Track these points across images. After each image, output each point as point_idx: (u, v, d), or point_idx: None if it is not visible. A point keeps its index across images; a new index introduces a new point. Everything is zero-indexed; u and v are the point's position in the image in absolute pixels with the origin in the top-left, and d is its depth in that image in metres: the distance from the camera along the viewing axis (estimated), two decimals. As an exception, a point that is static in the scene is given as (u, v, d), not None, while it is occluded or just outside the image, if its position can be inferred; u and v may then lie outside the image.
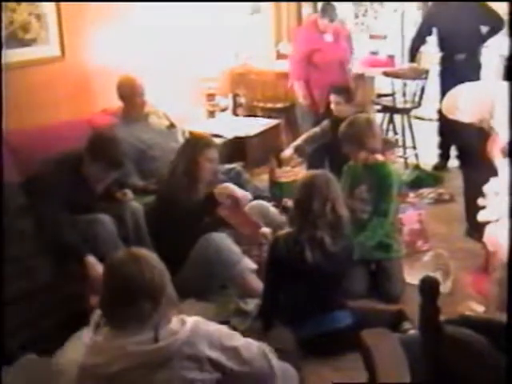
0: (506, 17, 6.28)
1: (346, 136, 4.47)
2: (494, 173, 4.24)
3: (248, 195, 4.49)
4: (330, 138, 5.63)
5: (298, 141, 6.03)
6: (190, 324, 2.27)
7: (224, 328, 2.44)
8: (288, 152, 5.97)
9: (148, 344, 2.17)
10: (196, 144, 4.44)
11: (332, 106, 5.88)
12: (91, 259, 3.81)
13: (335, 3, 6.67)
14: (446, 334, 2.03)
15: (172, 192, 4.33)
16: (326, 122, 5.89)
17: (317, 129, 5.97)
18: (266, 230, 4.43)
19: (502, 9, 6.47)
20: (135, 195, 4.59)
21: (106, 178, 4.23)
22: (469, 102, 4.80)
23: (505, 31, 6.88)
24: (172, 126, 5.47)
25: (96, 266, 3.76)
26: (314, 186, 3.53)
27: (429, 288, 2.06)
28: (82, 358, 2.23)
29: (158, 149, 5.07)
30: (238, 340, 2.41)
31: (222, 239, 4.19)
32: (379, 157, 4.49)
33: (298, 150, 6.00)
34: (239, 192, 4.40)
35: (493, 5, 6.68)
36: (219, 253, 4.07)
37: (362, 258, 4.25)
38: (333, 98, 5.85)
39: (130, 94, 5.17)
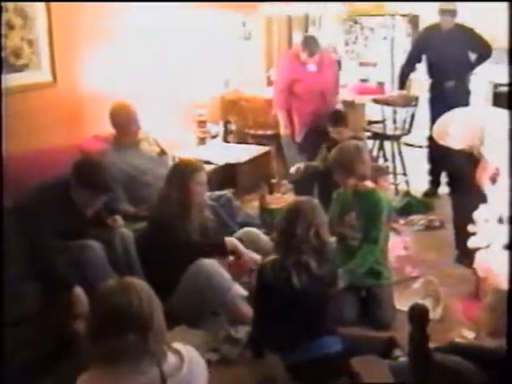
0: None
1: (336, 163, 4.48)
2: (483, 199, 4.25)
3: (256, 258, 4.37)
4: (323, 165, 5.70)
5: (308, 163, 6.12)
6: (186, 356, 2.26)
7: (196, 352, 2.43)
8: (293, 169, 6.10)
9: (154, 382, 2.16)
10: (185, 169, 4.44)
11: (334, 136, 5.97)
12: (78, 291, 3.76)
13: (321, 33, 6.70)
14: (435, 362, 2.02)
15: (165, 218, 4.32)
16: (322, 152, 5.94)
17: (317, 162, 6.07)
18: (256, 256, 4.42)
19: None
20: (126, 221, 4.58)
21: (94, 203, 4.21)
22: (459, 128, 4.83)
23: (493, 58, 6.97)
24: (163, 152, 5.46)
25: (82, 298, 3.72)
26: (299, 212, 3.52)
27: (418, 316, 2.06)
28: None
29: (149, 175, 5.06)
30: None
31: (213, 266, 4.17)
32: (368, 184, 4.49)
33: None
34: (246, 253, 4.39)
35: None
36: (210, 279, 4.06)
37: (352, 285, 4.24)
38: (332, 129, 5.94)
39: (123, 121, 5.14)
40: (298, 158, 6.47)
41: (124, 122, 5.14)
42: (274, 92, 6.68)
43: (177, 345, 2.31)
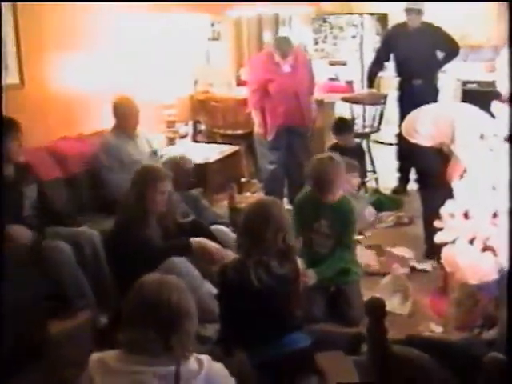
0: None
1: (313, 178, 4.44)
2: (451, 195, 4.29)
3: (222, 252, 4.37)
4: None
5: None
6: (206, 365, 2.25)
7: (223, 368, 2.41)
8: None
9: (168, 379, 2.14)
10: (146, 176, 4.36)
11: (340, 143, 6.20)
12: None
13: (291, 33, 6.70)
14: (392, 354, 2.04)
15: (123, 223, 4.32)
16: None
17: None
18: (229, 252, 4.42)
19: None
20: (93, 222, 4.62)
21: None
22: (427, 125, 4.91)
23: (461, 56, 7.04)
24: (154, 153, 5.59)
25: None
26: (268, 215, 3.47)
27: (375, 308, 2.08)
28: (92, 374, 2.19)
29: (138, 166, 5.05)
30: (232, 380, 2.41)
31: (184, 263, 4.17)
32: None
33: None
34: (213, 248, 4.37)
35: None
36: (181, 276, 4.03)
37: (321, 283, 4.27)
38: (337, 137, 5.99)
39: (126, 113, 5.35)
40: (270, 156, 6.51)
41: (126, 114, 5.35)
42: (248, 92, 6.68)
43: (202, 356, 2.30)
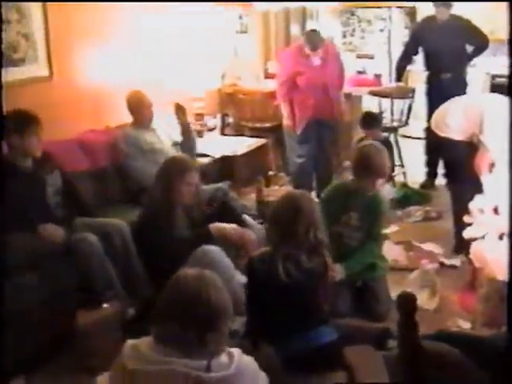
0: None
1: (361, 166, 4.37)
2: (480, 190, 4.26)
3: (240, 231, 4.39)
4: None
5: None
6: (237, 358, 2.23)
7: (253, 361, 2.40)
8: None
9: (199, 371, 2.13)
10: (173, 168, 4.35)
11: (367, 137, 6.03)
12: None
13: (318, 26, 6.66)
14: (423, 349, 2.03)
15: (150, 215, 4.33)
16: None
17: None
18: (249, 232, 4.44)
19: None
20: (123, 214, 4.65)
21: None
22: (457, 119, 4.83)
23: (490, 50, 6.98)
24: (185, 142, 5.63)
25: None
26: (300, 210, 3.47)
27: (406, 303, 2.07)
28: (125, 360, 2.20)
29: (160, 154, 5.12)
30: (262, 375, 2.41)
31: (217, 252, 4.18)
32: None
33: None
34: (231, 229, 4.38)
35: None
36: (214, 265, 3.99)
37: (348, 278, 4.26)
38: (365, 131, 5.97)
39: (138, 106, 5.40)
40: (298, 149, 6.50)
41: (139, 107, 5.41)
42: (277, 85, 6.67)
43: (233, 349, 2.29)
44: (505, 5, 7.67)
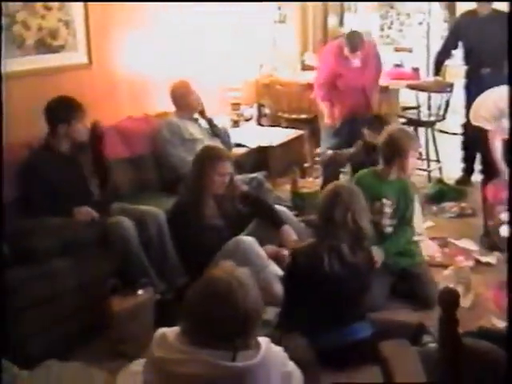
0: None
1: (389, 149, 4.41)
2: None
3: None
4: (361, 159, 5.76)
5: (343, 151, 6.17)
6: (264, 347, 2.24)
7: (282, 351, 2.41)
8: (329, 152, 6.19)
9: (224, 360, 2.14)
10: (206, 156, 4.37)
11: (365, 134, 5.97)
12: None
13: (356, 18, 6.61)
14: (464, 346, 2.02)
15: (182, 204, 4.38)
16: (359, 143, 5.97)
17: (353, 149, 6.07)
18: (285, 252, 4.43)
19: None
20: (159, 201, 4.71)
21: None
22: (490, 107, 5.30)
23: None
24: (216, 134, 5.61)
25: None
26: (337, 196, 3.51)
27: (448, 299, 2.06)
28: (153, 348, 2.23)
29: (199, 145, 5.10)
30: (291, 365, 2.41)
31: (251, 243, 4.19)
32: None
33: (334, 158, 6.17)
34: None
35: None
36: (248, 255, 4.06)
37: (387, 267, 4.25)
38: (366, 132, 5.94)
39: (184, 95, 5.45)
40: (331, 141, 6.50)
41: (183, 97, 5.45)
42: (315, 84, 6.65)
43: (261, 338, 2.29)
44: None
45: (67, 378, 3.23)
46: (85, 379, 3.28)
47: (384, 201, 4.44)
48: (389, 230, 4.47)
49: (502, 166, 5.24)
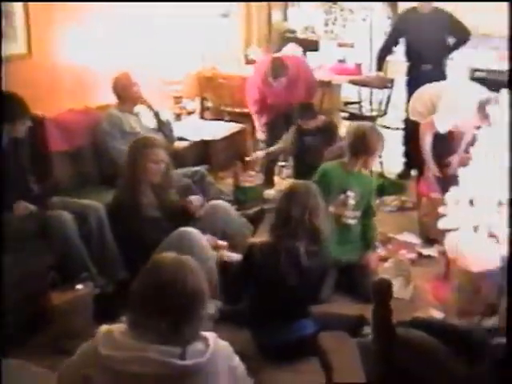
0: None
1: (357, 145, 4.54)
2: (456, 181, 4.30)
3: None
4: (295, 148, 5.97)
5: (272, 149, 6.23)
6: (212, 343, 2.21)
7: (228, 346, 2.38)
8: (260, 154, 6.24)
9: (173, 357, 2.11)
10: (138, 145, 4.41)
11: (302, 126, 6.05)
12: None
13: (300, 13, 6.61)
14: (397, 335, 2.05)
15: (120, 196, 4.38)
16: (289, 135, 6.05)
17: (280, 144, 6.18)
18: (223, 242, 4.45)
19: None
20: (99, 195, 4.65)
21: None
22: (419, 103, 5.62)
23: (471, 44, 7.01)
24: (159, 126, 5.59)
25: None
26: (294, 194, 3.53)
27: (381, 290, 2.08)
28: (98, 346, 2.16)
29: None
30: (236, 359, 2.39)
31: (197, 234, 4.18)
32: None
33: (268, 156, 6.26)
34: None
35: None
36: (192, 246, 4.04)
37: (334, 261, 4.28)
38: (300, 121, 5.99)
39: (125, 87, 5.42)
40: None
41: (124, 89, 5.41)
42: (249, 99, 6.68)
43: (208, 333, 2.26)
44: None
45: (6, 375, 3.17)
46: (24, 376, 3.21)
47: (348, 193, 4.54)
48: (352, 221, 4.59)
49: (430, 161, 5.37)
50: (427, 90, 5.68)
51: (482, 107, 4.73)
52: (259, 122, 6.67)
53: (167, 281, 2.18)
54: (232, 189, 5.83)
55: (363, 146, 4.50)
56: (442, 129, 5.23)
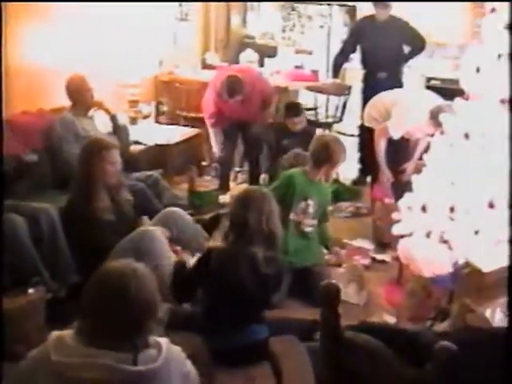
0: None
1: (320, 154, 4.59)
2: (410, 188, 4.33)
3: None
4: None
5: None
6: (165, 348, 2.20)
7: (181, 351, 2.36)
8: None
9: (125, 363, 2.09)
10: (93, 147, 4.38)
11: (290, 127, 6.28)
12: None
13: (259, 18, 6.62)
14: (345, 339, 2.06)
15: (74, 199, 4.32)
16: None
17: None
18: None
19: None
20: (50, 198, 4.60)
21: None
22: (374, 110, 5.71)
23: (427, 52, 7.10)
24: (115, 131, 5.52)
25: None
26: (250, 200, 3.51)
27: (329, 294, 2.09)
28: (49, 352, 2.13)
29: None
30: (189, 365, 2.38)
31: (158, 232, 4.17)
32: None
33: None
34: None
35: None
36: (153, 243, 4.05)
37: (290, 265, 4.32)
38: (286, 120, 6.30)
39: (79, 90, 5.35)
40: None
41: (78, 92, 5.35)
42: (205, 111, 6.56)
43: (160, 339, 2.25)
44: (444, 7, 7.89)
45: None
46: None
47: (309, 201, 4.58)
48: (309, 229, 4.63)
49: (384, 166, 5.42)
50: (382, 98, 5.71)
51: (434, 115, 4.78)
52: (214, 135, 6.58)
53: (112, 292, 2.16)
54: (187, 194, 5.80)
55: (326, 155, 4.55)
56: (396, 135, 5.29)
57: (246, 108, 6.26)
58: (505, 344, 1.93)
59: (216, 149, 6.51)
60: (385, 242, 5.19)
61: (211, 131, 6.52)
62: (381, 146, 5.40)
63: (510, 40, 3.67)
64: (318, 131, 6.86)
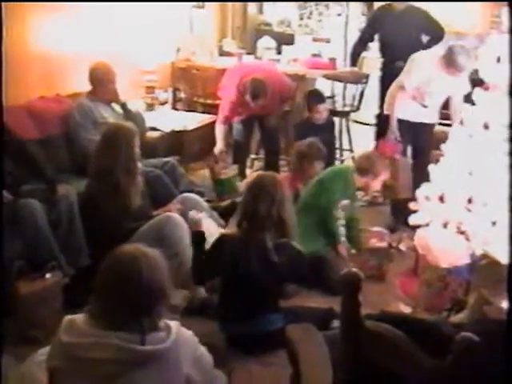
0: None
1: (364, 169, 4.81)
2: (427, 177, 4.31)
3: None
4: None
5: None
6: (175, 331, 2.22)
7: (193, 335, 2.37)
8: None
9: (134, 343, 2.12)
10: (125, 132, 4.39)
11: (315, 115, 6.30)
12: None
13: (276, 7, 6.58)
14: (365, 328, 2.06)
15: (97, 185, 4.32)
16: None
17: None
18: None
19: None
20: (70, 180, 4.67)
21: None
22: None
23: (444, 43, 7.05)
24: (128, 119, 5.39)
25: None
26: (262, 187, 3.52)
27: (350, 282, 2.09)
28: (61, 334, 2.18)
29: None
30: (202, 349, 2.39)
31: (181, 220, 4.21)
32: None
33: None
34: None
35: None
36: (175, 229, 4.12)
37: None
38: (309, 113, 6.30)
39: (101, 78, 5.33)
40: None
41: (102, 80, 5.33)
42: (225, 107, 6.47)
43: (171, 322, 2.27)
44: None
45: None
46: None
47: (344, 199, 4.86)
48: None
49: (394, 124, 5.56)
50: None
51: (447, 54, 4.80)
52: (219, 132, 6.48)
53: (123, 275, 2.20)
54: (211, 183, 5.90)
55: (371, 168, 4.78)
56: (409, 84, 5.43)
57: (265, 107, 6.27)
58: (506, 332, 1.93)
59: (219, 145, 6.40)
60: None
61: (218, 127, 6.45)
62: (394, 101, 5.52)
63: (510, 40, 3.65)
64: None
